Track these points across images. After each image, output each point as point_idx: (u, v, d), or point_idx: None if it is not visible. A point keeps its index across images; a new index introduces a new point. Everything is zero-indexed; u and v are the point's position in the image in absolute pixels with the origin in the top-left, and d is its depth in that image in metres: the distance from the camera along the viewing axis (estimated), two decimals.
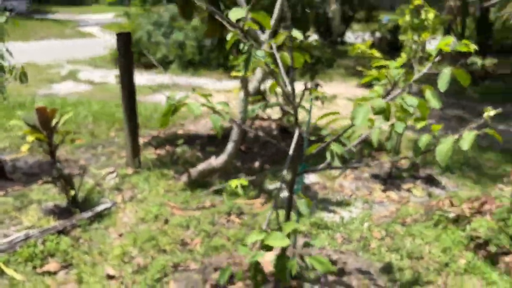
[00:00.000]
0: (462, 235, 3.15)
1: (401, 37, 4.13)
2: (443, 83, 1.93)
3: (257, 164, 4.66)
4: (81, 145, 4.96)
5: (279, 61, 2.16)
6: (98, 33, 16.44)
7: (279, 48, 2.25)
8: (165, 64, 10.67)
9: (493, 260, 2.87)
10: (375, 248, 3.06)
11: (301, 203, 2.00)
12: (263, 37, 3.67)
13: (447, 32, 13.54)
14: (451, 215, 3.34)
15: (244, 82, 3.63)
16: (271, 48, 2.21)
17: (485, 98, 8.57)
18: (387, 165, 4.56)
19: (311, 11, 4.87)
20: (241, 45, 1.94)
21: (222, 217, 3.47)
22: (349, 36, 15.78)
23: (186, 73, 10.52)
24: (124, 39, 4.02)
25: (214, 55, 10.30)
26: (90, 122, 5.99)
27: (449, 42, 1.99)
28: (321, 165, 2.28)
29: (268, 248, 1.94)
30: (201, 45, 10.43)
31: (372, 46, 4.09)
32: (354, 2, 13.81)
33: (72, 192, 3.39)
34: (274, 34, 3.78)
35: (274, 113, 6.17)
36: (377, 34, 13.00)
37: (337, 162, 2.17)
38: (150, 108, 6.76)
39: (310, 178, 4.30)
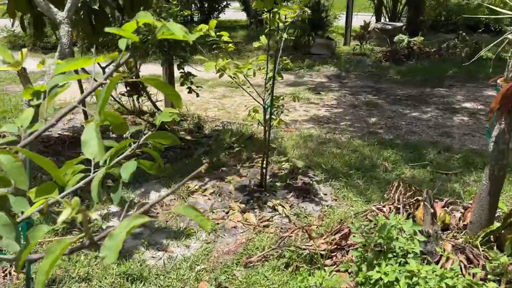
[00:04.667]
0: (312, 284, 2.38)
1: (265, 16, 3.23)
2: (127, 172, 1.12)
3: None
4: None
5: None
6: None
7: None
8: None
9: None
10: None
11: None
12: (60, 15, 2.69)
13: (378, 7, 12.95)
14: (305, 252, 2.56)
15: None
16: None
17: (406, 80, 7.97)
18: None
19: None
20: None
21: None
22: None
23: None
24: None
25: None
26: None
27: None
28: None
29: None
30: None
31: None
32: None
33: None
34: None
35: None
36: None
37: None
38: None
39: (161, 195, 3.41)
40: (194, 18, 14.06)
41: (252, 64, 3.17)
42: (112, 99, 5.19)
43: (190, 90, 4.41)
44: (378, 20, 12.55)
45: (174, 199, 3.35)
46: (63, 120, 5.14)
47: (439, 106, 6.30)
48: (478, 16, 13.62)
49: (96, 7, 2.89)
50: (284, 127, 5.00)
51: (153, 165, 1.51)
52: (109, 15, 3.37)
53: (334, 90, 7.24)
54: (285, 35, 3.18)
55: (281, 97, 3.43)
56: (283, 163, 3.99)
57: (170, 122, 4.82)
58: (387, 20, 12.57)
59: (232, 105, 6.21)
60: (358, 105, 6.30)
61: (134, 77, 3.85)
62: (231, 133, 4.66)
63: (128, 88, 5.07)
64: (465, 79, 8.01)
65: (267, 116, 3.33)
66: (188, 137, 4.53)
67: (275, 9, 2.96)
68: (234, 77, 3.02)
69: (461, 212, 2.89)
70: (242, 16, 14.29)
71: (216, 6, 13.74)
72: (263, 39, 3.13)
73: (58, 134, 4.63)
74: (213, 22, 2.97)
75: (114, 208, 3.20)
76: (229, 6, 14.04)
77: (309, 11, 3.19)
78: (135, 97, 5.09)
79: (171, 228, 2.99)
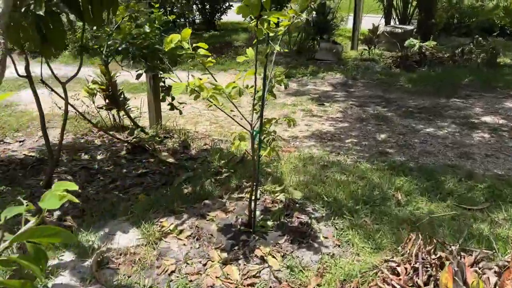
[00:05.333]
0: None
1: (252, 25, 2.64)
2: None
3: None
4: None
5: None
6: None
7: None
8: None
9: None
10: None
11: None
12: None
13: (388, 9, 12.31)
14: None
15: None
16: None
17: (418, 89, 7.35)
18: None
19: None
20: None
21: None
22: None
23: None
24: None
25: None
26: None
27: None
28: None
29: None
30: None
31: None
32: None
33: None
34: None
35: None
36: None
37: None
38: None
39: (128, 237, 2.85)
40: (196, 20, 13.52)
41: (237, 82, 2.60)
42: (96, 112, 4.65)
43: (172, 107, 3.84)
44: (387, 23, 11.94)
45: (143, 244, 2.78)
46: (33, 137, 4.60)
47: (455, 120, 5.68)
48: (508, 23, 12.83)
49: (41, 12, 2.34)
50: (281, 148, 4.43)
51: (26, 285, 0.94)
52: (65, 22, 2.81)
53: (339, 100, 6.64)
54: (277, 48, 2.60)
55: (274, 120, 2.84)
56: (277, 194, 3.42)
57: (152, 141, 4.26)
58: (397, 23, 11.95)
59: (227, 118, 5.63)
60: (366, 119, 5.69)
61: (110, 88, 3.21)
62: (220, 155, 4.09)
63: (107, 101, 4.53)
64: (482, 88, 7.38)
65: (256, 145, 2.75)
66: (171, 160, 3.96)
67: (264, 16, 2.39)
68: (211, 100, 2.43)
69: (495, 272, 2.29)
70: None
71: (218, 7, 13.18)
72: (249, 52, 2.55)
73: (24, 155, 4.08)
74: (187, 32, 2.39)
75: (67, 257, 2.64)
76: (231, 7, 13.47)
77: (305, 17, 2.59)
78: (114, 111, 4.55)
79: (133, 286, 2.42)
